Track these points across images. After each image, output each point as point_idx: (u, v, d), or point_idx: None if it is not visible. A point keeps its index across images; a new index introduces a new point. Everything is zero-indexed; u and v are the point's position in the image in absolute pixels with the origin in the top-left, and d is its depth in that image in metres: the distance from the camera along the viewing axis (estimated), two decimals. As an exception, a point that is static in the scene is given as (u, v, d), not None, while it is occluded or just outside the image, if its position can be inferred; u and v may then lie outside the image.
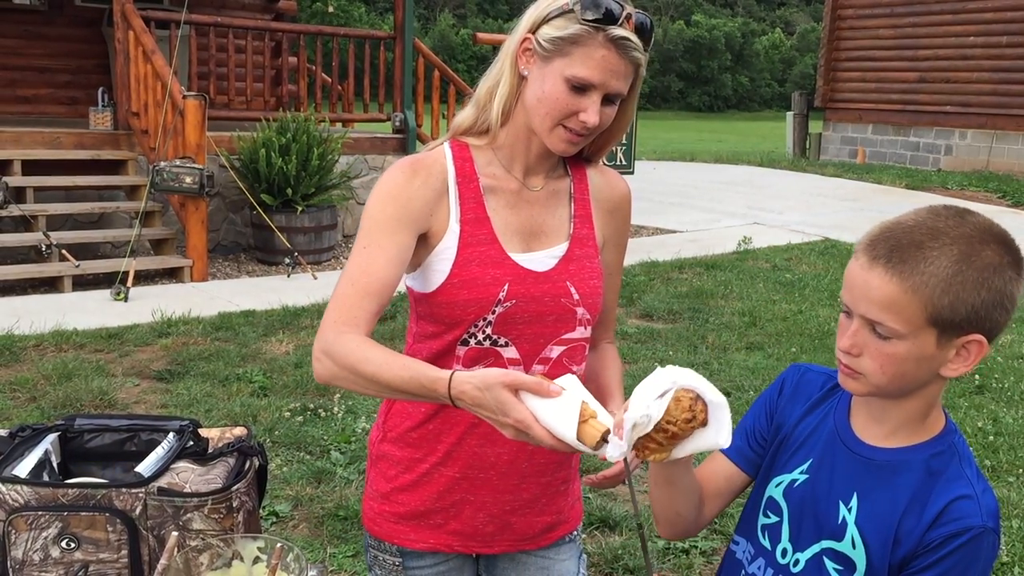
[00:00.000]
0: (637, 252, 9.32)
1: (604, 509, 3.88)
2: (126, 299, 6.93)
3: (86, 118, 8.94)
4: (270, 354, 5.74)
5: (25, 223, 7.65)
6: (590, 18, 1.49)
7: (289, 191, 8.32)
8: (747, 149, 23.23)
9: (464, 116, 1.69)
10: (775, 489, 1.45)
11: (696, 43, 65.74)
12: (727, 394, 5.31)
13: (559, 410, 1.30)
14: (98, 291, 7.24)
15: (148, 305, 6.68)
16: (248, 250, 9.01)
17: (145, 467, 1.65)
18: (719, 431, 1.27)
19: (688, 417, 1.25)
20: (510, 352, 1.63)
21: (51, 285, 7.38)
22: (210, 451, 1.72)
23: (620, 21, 1.50)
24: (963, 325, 1.25)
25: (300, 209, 8.43)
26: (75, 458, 1.80)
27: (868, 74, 17.82)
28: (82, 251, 7.68)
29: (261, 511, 3.75)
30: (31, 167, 8.10)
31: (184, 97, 7.73)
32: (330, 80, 10.10)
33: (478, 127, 1.66)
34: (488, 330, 1.61)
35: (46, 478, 1.70)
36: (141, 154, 8.55)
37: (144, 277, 7.66)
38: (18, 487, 1.59)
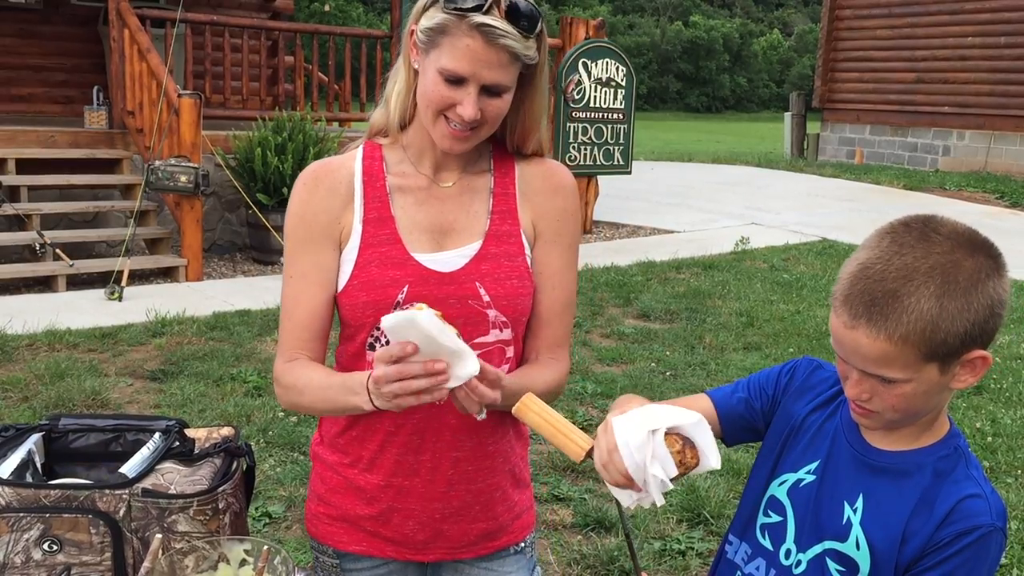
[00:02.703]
0: (634, 252, 9.29)
1: (600, 510, 3.85)
2: (120, 298, 6.89)
3: (81, 117, 8.91)
4: (265, 354, 5.70)
5: (19, 222, 7.61)
6: (451, 6, 1.43)
7: (285, 190, 8.27)
8: (745, 150, 23.22)
9: (375, 116, 1.65)
10: (778, 488, 1.43)
11: (694, 44, 65.72)
12: (724, 395, 5.29)
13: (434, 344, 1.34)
14: (92, 290, 7.20)
15: (142, 304, 6.65)
16: (244, 249, 8.98)
17: (129, 468, 1.62)
18: (707, 457, 1.24)
19: (681, 472, 1.23)
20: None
21: (45, 284, 7.34)
22: (196, 452, 1.69)
23: (486, 7, 1.42)
24: (961, 349, 1.23)
25: (296, 208, 8.38)
26: (59, 458, 1.77)
27: (866, 75, 17.80)
28: (76, 250, 7.64)
29: (254, 512, 3.73)
30: (26, 166, 8.06)
31: (179, 96, 7.70)
32: (327, 79, 10.07)
33: (389, 125, 1.63)
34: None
35: (29, 479, 1.66)
36: (136, 153, 8.51)
37: (139, 276, 7.62)
38: (-1, 488, 1.55)
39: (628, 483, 1.23)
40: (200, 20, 8.95)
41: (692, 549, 3.58)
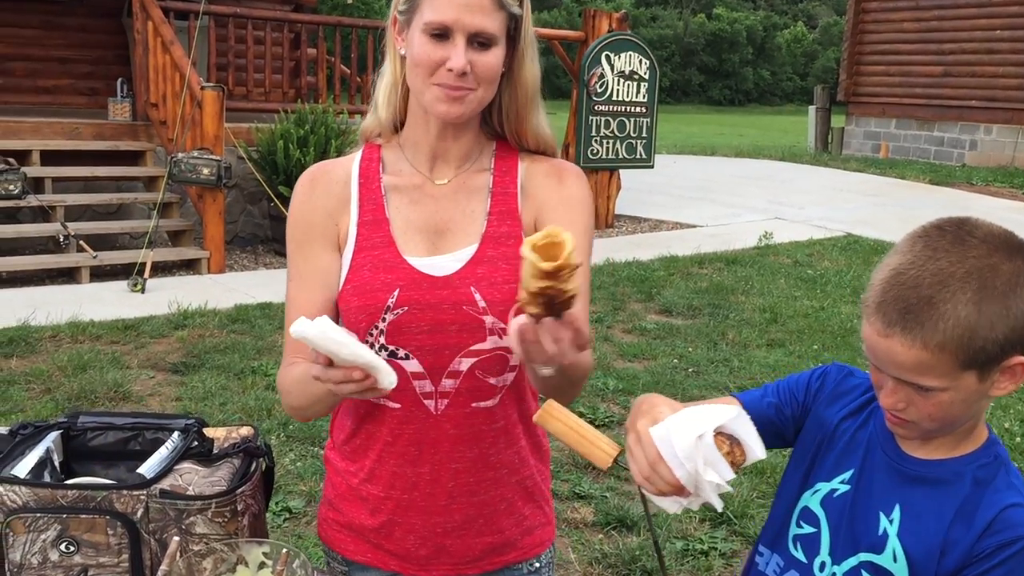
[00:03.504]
0: (656, 246, 9.23)
1: (621, 509, 3.81)
2: (143, 290, 6.92)
3: (105, 109, 8.95)
4: (286, 347, 5.70)
5: (43, 214, 7.65)
6: None
7: (307, 183, 8.27)
8: (768, 143, 23.05)
9: (365, 123, 1.61)
10: (811, 498, 1.38)
11: (717, 37, 65.33)
12: (747, 392, 5.23)
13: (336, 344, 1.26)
14: (115, 282, 7.23)
15: (165, 296, 6.67)
16: (265, 242, 8.99)
17: (147, 468, 1.60)
18: (753, 450, 1.20)
19: (735, 471, 1.19)
20: (412, 365, 1.50)
21: (69, 276, 7.38)
22: (215, 452, 1.66)
23: None
24: (1000, 355, 1.20)
25: (318, 201, 8.37)
26: (78, 457, 1.75)
27: (892, 68, 17.61)
28: (100, 242, 7.68)
29: (274, 507, 3.72)
30: (50, 158, 8.10)
31: (202, 88, 7.71)
32: (349, 72, 10.05)
33: (382, 128, 1.59)
34: (382, 339, 1.49)
35: (47, 477, 1.65)
36: (159, 145, 8.54)
37: (161, 268, 7.65)
38: (16, 488, 1.54)
39: (676, 492, 1.18)
40: (223, 12, 8.94)
41: (715, 549, 3.54)
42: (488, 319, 1.48)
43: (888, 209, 11.70)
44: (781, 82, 68.33)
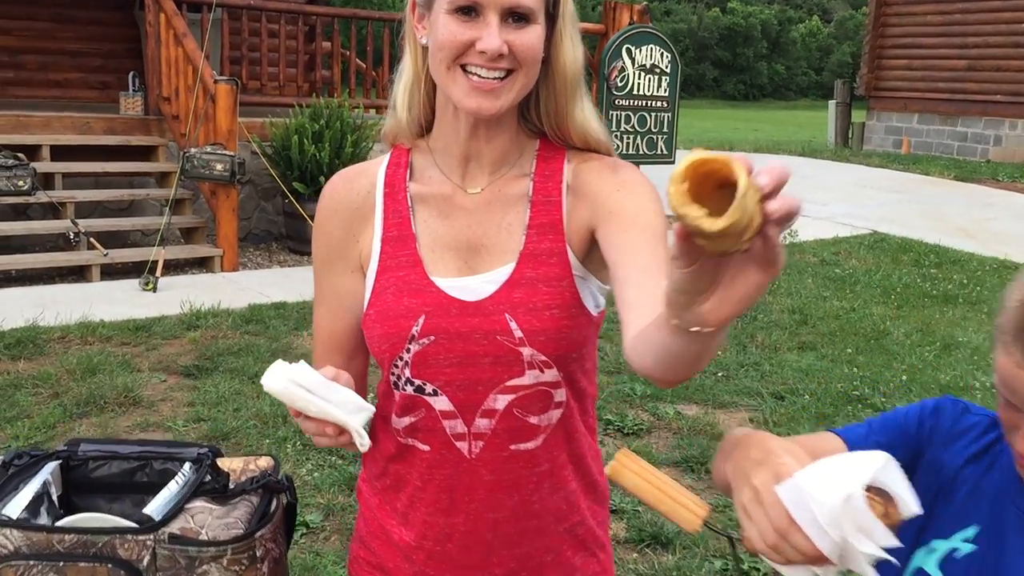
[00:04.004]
0: (678, 244, 9.03)
1: (655, 525, 3.62)
2: (155, 289, 6.76)
3: (117, 103, 8.80)
4: (302, 349, 5.52)
5: (53, 210, 7.50)
6: None
7: (322, 179, 8.10)
8: (784, 138, 22.77)
9: (386, 125, 1.41)
10: (927, 558, 1.18)
11: (732, 31, 64.85)
12: (780, 398, 5.04)
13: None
14: (127, 280, 7.07)
15: (177, 295, 6.51)
16: (280, 239, 8.83)
17: (155, 508, 1.42)
18: (908, 504, 0.97)
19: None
20: (441, 403, 1.32)
21: (79, 274, 7.22)
22: (231, 487, 1.48)
23: None
24: None
25: (333, 198, 8.21)
26: (79, 489, 1.58)
27: (915, 62, 17.32)
28: (111, 239, 7.52)
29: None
30: (60, 152, 7.95)
31: (215, 82, 7.54)
32: (364, 66, 9.88)
33: (402, 131, 1.39)
34: (407, 373, 1.32)
35: (44, 513, 1.47)
36: (172, 140, 8.38)
37: (174, 266, 7.49)
38: (7, 531, 1.36)
39: (811, 562, 0.94)
40: (237, 4, 8.77)
41: (757, 570, 3.35)
42: (526, 351, 1.28)
43: (913, 206, 11.47)
44: (796, 77, 67.78)
